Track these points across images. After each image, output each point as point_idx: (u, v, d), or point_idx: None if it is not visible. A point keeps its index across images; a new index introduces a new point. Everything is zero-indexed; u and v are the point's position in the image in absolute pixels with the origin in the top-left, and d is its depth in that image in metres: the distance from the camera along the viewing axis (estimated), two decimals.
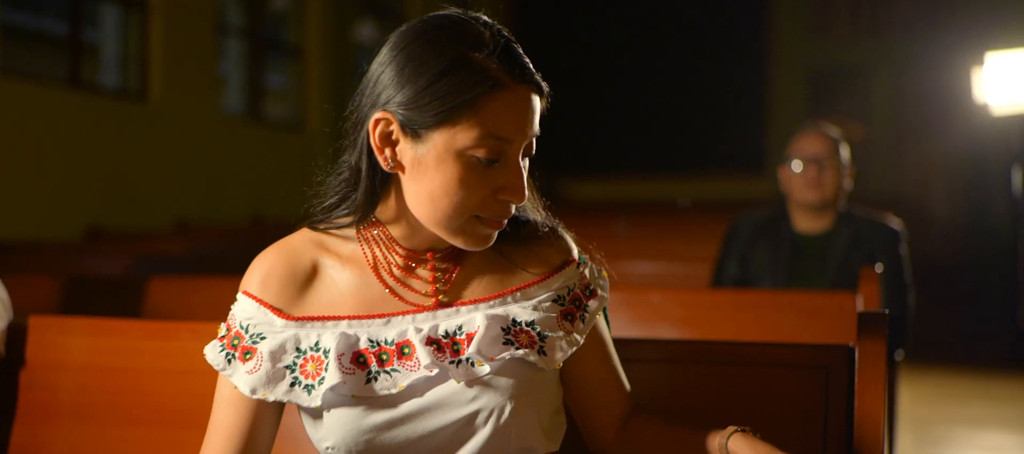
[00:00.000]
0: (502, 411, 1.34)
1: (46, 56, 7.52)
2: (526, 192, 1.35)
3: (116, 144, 7.42)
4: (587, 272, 1.49)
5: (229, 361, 1.39)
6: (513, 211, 1.37)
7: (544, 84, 1.36)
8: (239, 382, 1.37)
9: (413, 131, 1.32)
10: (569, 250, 1.49)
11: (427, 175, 1.32)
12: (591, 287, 1.48)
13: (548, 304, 1.42)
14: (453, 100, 1.28)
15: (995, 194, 11.72)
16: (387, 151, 1.35)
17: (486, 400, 1.34)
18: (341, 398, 1.34)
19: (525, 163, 1.37)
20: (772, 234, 3.37)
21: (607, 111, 13.94)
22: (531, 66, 1.35)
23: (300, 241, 1.45)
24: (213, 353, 1.41)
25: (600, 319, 1.53)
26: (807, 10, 13.55)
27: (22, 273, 3.40)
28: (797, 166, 3.32)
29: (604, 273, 1.52)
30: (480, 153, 1.30)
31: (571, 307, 1.44)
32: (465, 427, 1.34)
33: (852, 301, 2.55)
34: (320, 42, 10.49)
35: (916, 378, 6.26)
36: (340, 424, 1.34)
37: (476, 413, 1.34)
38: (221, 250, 4.95)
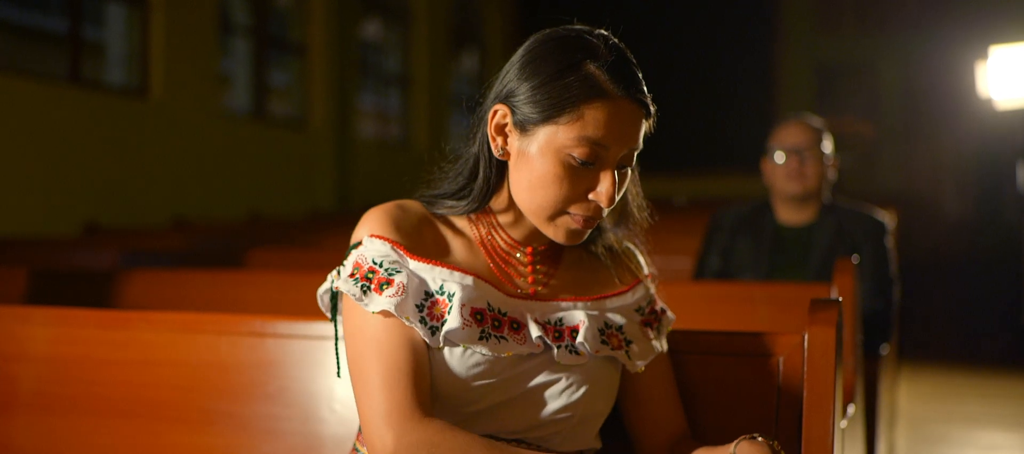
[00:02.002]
0: (577, 389, 1.48)
1: (50, 54, 7.53)
2: (615, 199, 1.44)
3: (116, 141, 7.43)
4: (655, 291, 1.65)
5: (364, 292, 1.44)
6: (604, 215, 1.48)
7: (650, 103, 1.46)
8: (381, 305, 1.42)
9: (522, 124, 1.45)
10: (643, 266, 1.65)
11: (529, 166, 1.45)
12: (663, 306, 1.65)
13: (632, 312, 1.58)
14: (560, 101, 1.41)
15: (1004, 191, 11.64)
16: (499, 140, 1.48)
17: (568, 374, 1.48)
18: (455, 345, 1.43)
19: (628, 174, 1.50)
20: (754, 226, 3.33)
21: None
22: (641, 85, 1.45)
23: (415, 204, 1.55)
24: (347, 285, 1.45)
25: (668, 352, 1.65)
26: (814, 6, 13.51)
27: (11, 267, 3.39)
28: (779, 157, 3.29)
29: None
30: (577, 153, 1.41)
31: (650, 318, 1.60)
32: (543, 399, 1.47)
33: (828, 293, 2.52)
34: (324, 39, 10.49)
35: (915, 376, 6.22)
36: (445, 367, 1.43)
37: (556, 383, 1.48)
38: (216, 246, 4.94)
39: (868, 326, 3.07)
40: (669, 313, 1.66)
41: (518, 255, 1.55)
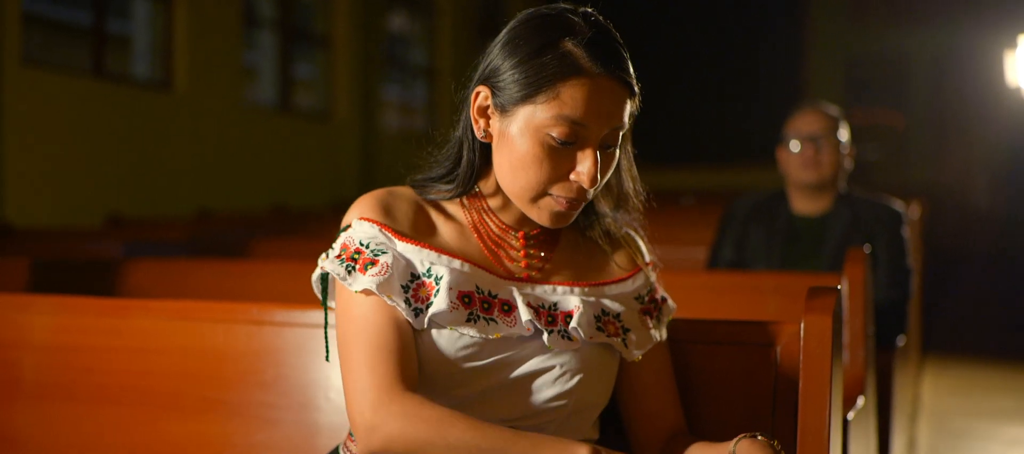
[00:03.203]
0: (571, 376, 1.46)
1: (76, 47, 7.58)
2: (598, 180, 1.42)
3: (141, 134, 7.46)
4: (655, 279, 1.62)
5: (349, 271, 1.44)
6: (589, 197, 1.45)
7: (633, 82, 1.43)
8: (364, 284, 1.41)
9: (502, 105, 1.43)
10: (645, 254, 1.62)
11: (510, 147, 1.43)
12: (663, 294, 1.62)
13: (630, 300, 1.55)
14: (537, 79, 1.39)
15: None
16: (482, 122, 1.47)
17: (562, 361, 1.46)
18: (441, 327, 1.42)
19: (616, 156, 1.47)
20: (768, 216, 3.29)
21: (647, 101, 13.84)
22: (622, 62, 1.42)
23: (407, 190, 1.55)
24: (332, 265, 1.45)
25: (667, 342, 1.63)
26: None
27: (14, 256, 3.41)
28: (794, 145, 3.24)
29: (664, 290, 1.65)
30: (555, 133, 1.39)
31: (649, 306, 1.58)
32: (535, 386, 1.45)
33: (838, 283, 2.47)
34: (349, 31, 10.50)
35: (940, 369, 6.14)
36: (433, 348, 1.42)
37: (550, 370, 1.45)
38: (227, 236, 4.94)
39: (883, 317, 3.02)
40: (670, 302, 1.63)
41: (511, 239, 1.53)
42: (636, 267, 1.59)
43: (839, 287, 1.59)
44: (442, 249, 1.47)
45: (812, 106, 3.35)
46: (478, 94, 1.46)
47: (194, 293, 3.00)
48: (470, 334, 1.42)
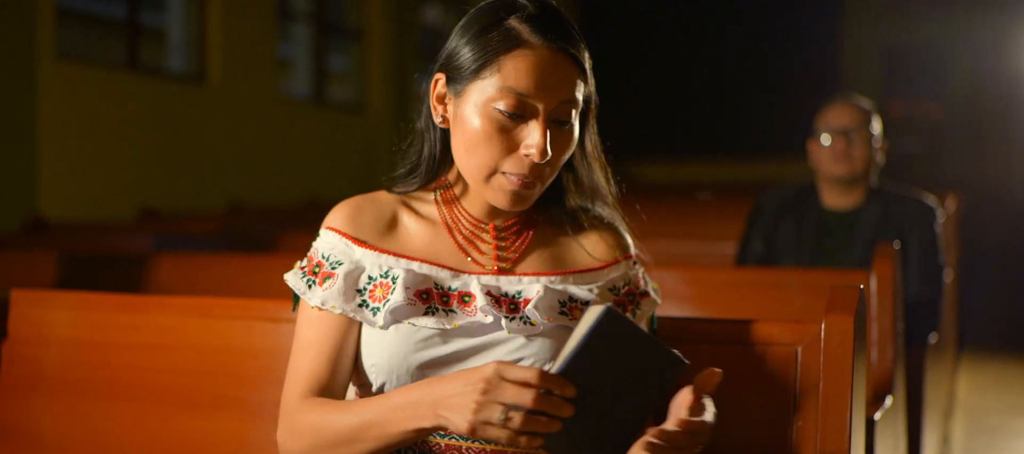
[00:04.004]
0: (536, 365, 1.43)
1: (110, 41, 7.63)
2: (548, 152, 1.42)
3: (175, 127, 7.50)
4: (642, 274, 1.60)
5: (309, 286, 1.50)
6: (545, 176, 1.46)
7: (578, 56, 1.45)
8: (312, 298, 1.48)
9: (455, 87, 1.47)
10: (627, 246, 1.60)
11: (462, 128, 1.46)
12: (644, 289, 1.59)
13: (603, 291, 1.53)
14: (482, 56, 1.43)
15: None
16: (440, 108, 1.50)
17: (529, 352, 1.44)
18: (399, 322, 1.45)
19: (573, 134, 1.47)
20: (798, 210, 3.24)
21: (675, 92, 13.77)
22: (567, 36, 1.44)
23: (384, 195, 1.58)
24: (294, 279, 1.53)
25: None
26: None
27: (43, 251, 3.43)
28: (825, 139, 3.19)
29: (655, 284, 1.63)
30: (502, 105, 1.41)
31: (624, 299, 1.55)
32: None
33: (867, 280, 2.43)
34: (383, 24, 10.50)
35: (976, 366, 6.05)
36: (392, 344, 1.44)
37: (519, 362, 1.43)
38: (256, 230, 4.95)
39: (914, 314, 2.97)
40: (654, 297, 1.60)
41: (482, 233, 1.54)
42: (614, 259, 1.57)
43: (862, 286, 1.56)
44: (401, 253, 1.51)
45: (844, 99, 3.30)
46: (437, 81, 1.50)
47: (223, 288, 3.00)
48: (428, 325, 1.44)
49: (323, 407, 1.45)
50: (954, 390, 5.10)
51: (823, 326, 1.51)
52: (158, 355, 1.97)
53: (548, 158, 1.43)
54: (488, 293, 1.46)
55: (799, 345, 1.58)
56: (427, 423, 1.34)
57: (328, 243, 1.53)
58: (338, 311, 1.47)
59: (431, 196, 1.57)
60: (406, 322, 1.44)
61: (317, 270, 1.51)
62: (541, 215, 1.58)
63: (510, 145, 1.43)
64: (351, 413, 1.41)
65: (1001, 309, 8.56)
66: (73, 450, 1.99)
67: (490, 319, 1.45)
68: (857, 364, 1.53)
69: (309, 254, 1.55)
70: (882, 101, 12.77)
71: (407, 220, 1.55)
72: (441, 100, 1.50)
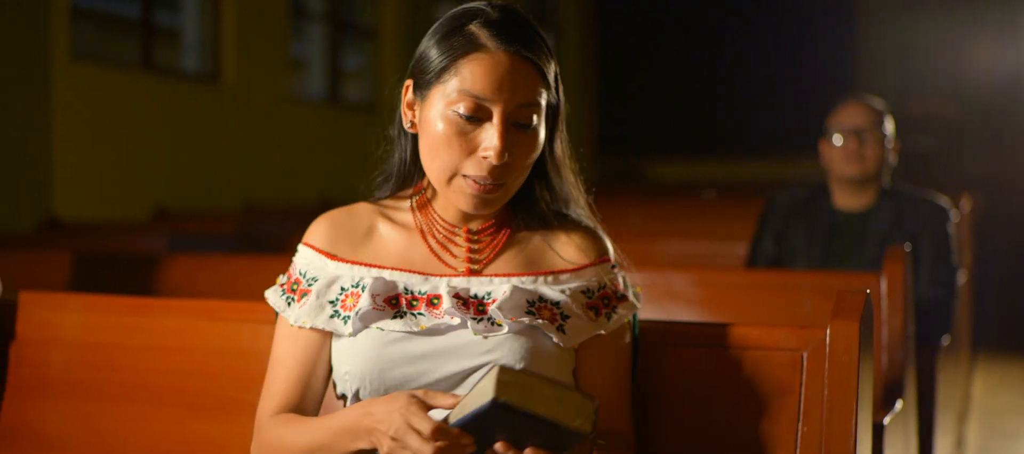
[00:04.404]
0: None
1: (124, 41, 7.65)
2: (504, 154, 1.43)
3: (188, 127, 7.52)
4: (621, 279, 1.59)
5: (288, 304, 1.56)
6: (508, 181, 1.47)
7: (536, 59, 1.47)
8: (288, 316, 1.54)
9: (421, 92, 1.50)
10: (605, 250, 1.59)
11: (426, 132, 1.49)
12: (622, 293, 1.58)
13: (576, 293, 1.53)
14: (442, 60, 1.47)
15: None
16: (409, 114, 1.54)
17: (499, 355, 1.45)
18: (368, 327, 1.48)
19: (538, 137, 1.48)
20: (810, 211, 3.22)
21: (689, 91, 13.73)
22: (525, 39, 1.46)
23: (362, 206, 1.62)
24: (274, 297, 1.59)
25: (627, 348, 1.59)
26: None
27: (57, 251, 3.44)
28: (837, 139, 3.17)
29: (637, 288, 1.63)
30: (459, 108, 1.44)
31: (598, 302, 1.54)
32: (472, 381, 1.45)
33: (877, 283, 2.42)
34: (397, 23, 10.51)
35: (992, 367, 6.01)
36: (362, 349, 1.47)
37: (484, 368, 1.44)
38: (270, 230, 4.96)
39: (926, 316, 2.95)
40: (633, 301, 1.59)
41: (456, 238, 1.56)
42: (588, 262, 1.57)
43: (868, 292, 1.55)
44: (373, 262, 1.54)
45: (856, 98, 3.28)
46: (406, 88, 1.54)
47: (237, 289, 3.00)
48: (396, 329, 1.47)
49: (286, 426, 1.51)
50: (969, 392, 5.07)
51: (828, 332, 1.50)
52: (165, 357, 1.98)
53: (507, 160, 1.45)
54: (456, 295, 1.48)
55: (804, 350, 1.57)
56: (364, 444, 1.41)
57: (305, 259, 1.58)
58: (309, 326, 1.52)
59: (407, 203, 1.60)
60: (374, 327, 1.48)
61: (295, 287, 1.57)
62: (516, 219, 1.58)
63: (469, 148, 1.45)
64: (308, 433, 1.47)
65: (1018, 310, 8.50)
66: (79, 452, 1.99)
67: (457, 321, 1.47)
68: (863, 369, 1.52)
69: (288, 271, 1.60)
70: (898, 99, 12.71)
71: (383, 228, 1.58)
72: (410, 106, 1.53)
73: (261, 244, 4.18)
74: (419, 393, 1.37)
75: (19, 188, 6.00)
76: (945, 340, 3.03)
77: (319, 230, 1.59)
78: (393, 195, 1.61)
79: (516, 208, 1.58)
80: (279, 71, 8.64)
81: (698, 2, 13.65)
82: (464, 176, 1.46)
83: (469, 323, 1.46)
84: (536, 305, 1.49)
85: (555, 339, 1.47)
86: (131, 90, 7.05)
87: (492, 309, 1.46)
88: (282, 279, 1.60)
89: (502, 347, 1.45)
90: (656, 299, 2.62)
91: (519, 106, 1.45)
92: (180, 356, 1.97)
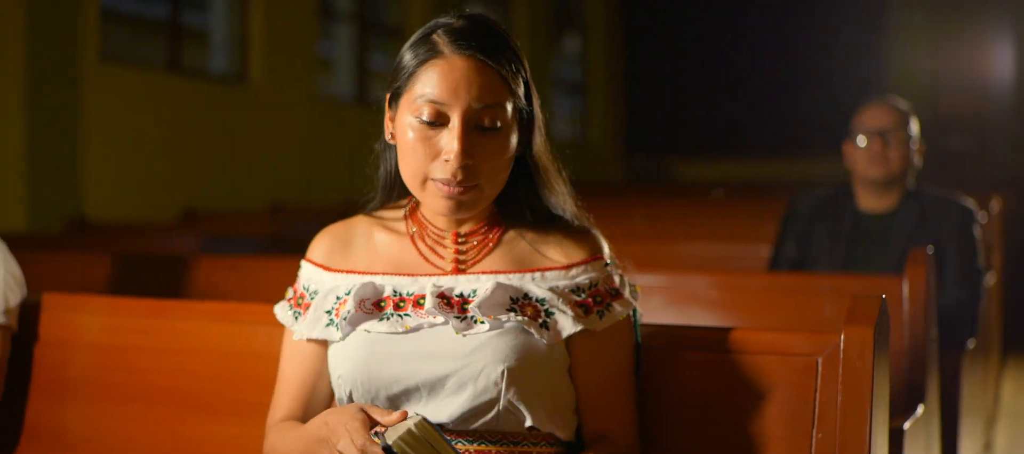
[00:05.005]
0: (494, 374, 1.45)
1: (153, 42, 7.71)
2: (462, 155, 1.45)
3: (216, 127, 7.56)
4: (616, 277, 1.58)
5: (296, 318, 1.62)
6: (477, 182, 1.48)
7: (493, 61, 1.49)
8: (295, 331, 1.60)
9: (394, 104, 1.55)
10: (598, 249, 1.59)
11: (398, 140, 1.53)
12: (617, 290, 1.56)
13: (565, 291, 1.53)
14: (406, 69, 1.52)
15: None
16: (390, 125, 1.58)
17: (481, 358, 1.45)
18: (356, 331, 1.52)
19: (507, 139, 1.49)
20: (833, 213, 3.20)
21: (716, 90, 13.67)
22: (482, 42, 1.49)
23: (359, 219, 1.66)
24: (282, 312, 1.66)
25: (626, 348, 1.57)
26: None
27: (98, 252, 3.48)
28: (861, 140, 3.15)
29: (637, 287, 1.62)
30: (421, 114, 1.48)
31: (589, 300, 1.54)
32: (458, 381, 1.46)
33: (899, 286, 2.39)
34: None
35: (1021, 370, 5.93)
36: (350, 353, 1.51)
37: (469, 368, 1.46)
38: (305, 231, 4.97)
39: (951, 319, 2.92)
40: (629, 298, 1.57)
41: (444, 240, 1.58)
42: (580, 261, 1.56)
43: (883, 296, 1.54)
44: (365, 270, 1.58)
45: (881, 99, 3.26)
46: (387, 99, 1.58)
47: (267, 290, 3.00)
48: (381, 330, 1.50)
49: (282, 434, 1.58)
50: (998, 395, 5.01)
51: (842, 337, 1.49)
52: (183, 359, 1.99)
53: (471, 163, 1.46)
54: (440, 294, 1.50)
55: (819, 356, 1.56)
56: (326, 452, 1.44)
57: (306, 274, 1.64)
58: (307, 336, 1.58)
59: (401, 212, 1.64)
60: (361, 329, 1.52)
61: (300, 301, 1.63)
62: (506, 221, 1.59)
63: (434, 152, 1.48)
64: (294, 441, 1.52)
65: None
66: (100, 452, 2.01)
67: (440, 319, 1.49)
68: (878, 374, 1.50)
69: (294, 286, 1.66)
70: (929, 99, 12.60)
71: (379, 237, 1.62)
72: (391, 118, 1.57)
73: (291, 245, 4.19)
74: (368, 407, 1.43)
75: (48, 189, 6.06)
76: (971, 343, 3.00)
77: (317, 245, 1.65)
78: (385, 206, 1.65)
79: (505, 210, 1.59)
80: (306, 71, 8.68)
81: (725, 2, 13.59)
82: (433, 180, 1.49)
83: (451, 321, 1.48)
84: (519, 302, 1.50)
85: (536, 335, 1.48)
86: (159, 91, 7.10)
87: (472, 307, 1.48)
88: (288, 295, 1.67)
89: (485, 348, 1.46)
90: (675, 302, 2.62)
91: (478, 109, 1.47)
92: (200, 358, 1.98)
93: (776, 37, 13.36)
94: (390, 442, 1.32)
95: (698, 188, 9.62)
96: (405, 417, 1.39)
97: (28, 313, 2.13)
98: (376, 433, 1.39)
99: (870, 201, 3.18)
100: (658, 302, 2.65)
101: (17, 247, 2.44)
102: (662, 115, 14.10)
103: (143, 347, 2.04)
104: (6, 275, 2.07)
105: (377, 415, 1.41)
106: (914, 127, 3.17)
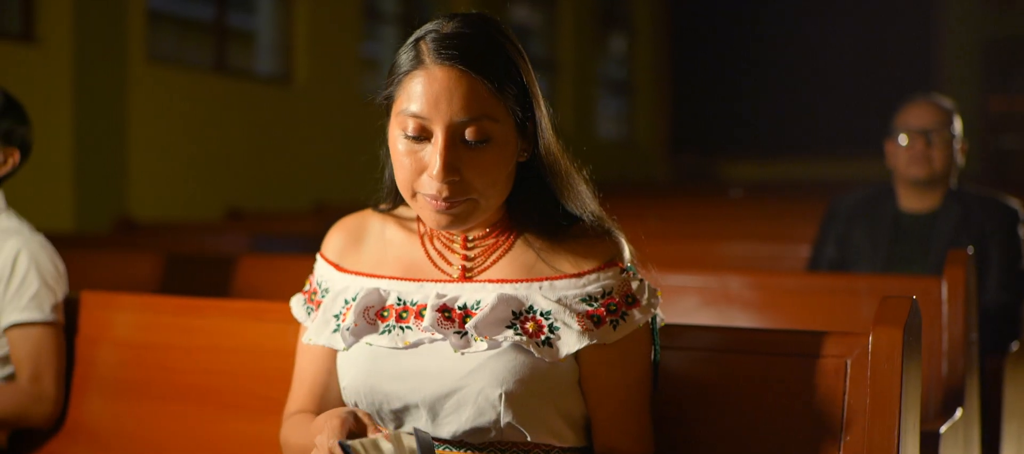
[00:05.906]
0: (492, 396, 1.41)
1: (199, 43, 7.79)
2: (445, 172, 1.38)
3: (260, 128, 7.63)
4: (635, 283, 1.49)
5: (309, 314, 1.59)
6: (466, 195, 1.41)
7: (472, 67, 1.39)
8: (308, 330, 1.57)
9: (387, 112, 1.48)
10: (614, 253, 1.49)
11: (391, 150, 1.47)
12: (635, 297, 1.48)
13: (574, 300, 1.46)
14: (392, 80, 1.45)
15: None
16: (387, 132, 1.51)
17: (480, 379, 1.41)
18: (359, 342, 1.48)
19: (495, 151, 1.41)
20: (873, 214, 3.15)
21: (766, 90, 13.56)
22: (465, 52, 1.39)
23: (372, 213, 1.63)
24: (298, 306, 1.63)
25: (643, 359, 1.51)
26: None
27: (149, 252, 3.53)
28: (903, 139, 3.10)
29: (658, 292, 1.52)
30: (407, 129, 1.41)
31: (601, 310, 1.45)
32: (457, 401, 1.43)
33: (938, 287, 2.36)
34: None
35: None
36: (354, 364, 1.48)
37: (467, 389, 1.42)
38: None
39: (993, 321, 2.87)
40: (648, 305, 1.48)
41: (453, 244, 1.53)
42: (593, 268, 1.47)
43: (914, 297, 1.51)
44: (373, 272, 1.54)
45: (924, 97, 3.21)
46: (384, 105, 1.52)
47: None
48: (382, 344, 1.47)
49: (293, 426, 1.57)
50: None
51: (871, 338, 1.46)
52: (213, 357, 2.01)
53: (458, 178, 1.39)
54: (441, 308, 1.45)
55: (848, 357, 1.53)
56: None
57: (320, 270, 1.60)
58: (314, 342, 1.54)
59: (405, 211, 1.61)
60: (364, 342, 1.48)
61: (314, 297, 1.59)
62: (519, 226, 1.52)
63: (420, 167, 1.41)
64: (300, 438, 1.51)
65: None
66: (130, 448, 2.03)
67: (438, 336, 1.44)
68: (909, 377, 1.48)
69: (308, 280, 1.63)
70: (982, 97, 12.40)
71: (391, 234, 1.58)
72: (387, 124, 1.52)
73: None
74: (361, 413, 1.38)
75: (95, 189, 6.15)
76: (1014, 346, 2.94)
77: (331, 240, 1.61)
78: (396, 206, 1.61)
79: (517, 215, 1.52)
80: (351, 72, 8.73)
81: (772, 0, 13.48)
82: (421, 194, 1.42)
83: (449, 338, 1.43)
84: (521, 317, 1.43)
85: (537, 354, 1.41)
86: (205, 92, 7.18)
87: (469, 326, 1.42)
88: (305, 288, 1.64)
89: (483, 369, 1.41)
90: (712, 302, 2.59)
91: (462, 122, 1.39)
92: (227, 356, 2.00)
93: (824, 36, 13.22)
94: (349, 442, 1.30)
95: (721, 187, 9.53)
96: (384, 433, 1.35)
97: (67, 310, 2.17)
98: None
99: (911, 201, 3.14)
100: (694, 302, 2.63)
101: (65, 247, 2.48)
102: (708, 115, 14.01)
103: (176, 345, 2.06)
104: (55, 272, 2.12)
105: (367, 423, 1.37)
106: (957, 126, 3.12)
